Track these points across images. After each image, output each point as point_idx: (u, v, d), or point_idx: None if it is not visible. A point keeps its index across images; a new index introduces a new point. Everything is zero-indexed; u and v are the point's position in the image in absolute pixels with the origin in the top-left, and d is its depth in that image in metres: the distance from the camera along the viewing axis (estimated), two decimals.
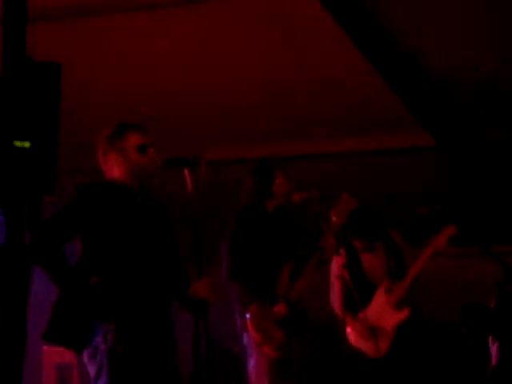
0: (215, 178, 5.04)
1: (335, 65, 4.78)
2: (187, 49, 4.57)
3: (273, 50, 4.60)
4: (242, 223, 4.80)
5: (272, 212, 4.89)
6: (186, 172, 3.70)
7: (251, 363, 4.75)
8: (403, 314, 5.27)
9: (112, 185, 3.70)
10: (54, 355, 6.22)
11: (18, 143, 2.11)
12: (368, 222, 5.29)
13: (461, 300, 7.44)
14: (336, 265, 5.02)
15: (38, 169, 2.22)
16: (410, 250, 5.61)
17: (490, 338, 5.84)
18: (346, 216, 4.89)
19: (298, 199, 4.85)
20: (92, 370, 3.54)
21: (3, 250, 2.53)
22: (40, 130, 2.21)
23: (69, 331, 3.50)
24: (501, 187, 6.51)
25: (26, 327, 2.21)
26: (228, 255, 4.72)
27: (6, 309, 2.18)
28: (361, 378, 5.26)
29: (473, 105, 5.44)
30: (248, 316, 4.65)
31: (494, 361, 5.76)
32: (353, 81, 5.00)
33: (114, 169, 3.72)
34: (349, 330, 5.22)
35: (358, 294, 5.11)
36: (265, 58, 4.71)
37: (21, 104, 2.19)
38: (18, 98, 2.24)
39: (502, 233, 7.22)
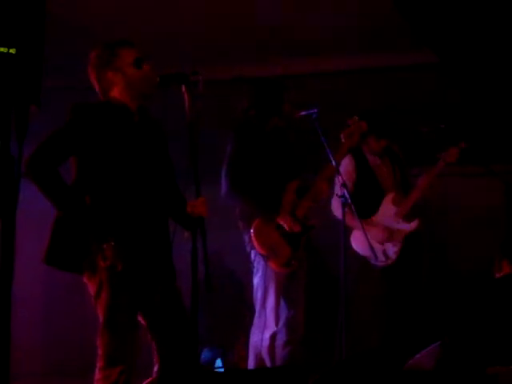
0: (214, 96, 4.95)
1: None
2: None
3: None
4: (241, 139, 4.76)
5: (270, 130, 4.86)
6: (184, 89, 3.64)
7: (256, 279, 4.78)
8: (413, 225, 5.35)
9: (109, 104, 3.67)
10: None
11: (2, 49, 2.04)
12: (384, 121, 5.41)
13: (461, 218, 7.54)
14: (337, 184, 5.02)
15: (24, 76, 2.15)
16: (410, 168, 5.66)
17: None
18: (356, 138, 4.88)
19: (297, 116, 4.82)
20: (92, 288, 3.57)
21: None
22: (24, 36, 2.13)
23: (68, 254, 3.50)
24: (504, 105, 6.44)
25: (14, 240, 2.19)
26: (228, 172, 4.70)
27: None
28: (366, 288, 5.31)
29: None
30: (252, 231, 4.64)
31: None
32: None
33: (112, 89, 3.68)
34: (355, 236, 5.23)
35: (368, 198, 5.31)
36: None
37: (3, 7, 2.11)
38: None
39: (504, 152, 7.18)
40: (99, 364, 3.50)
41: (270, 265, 4.66)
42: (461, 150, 5.35)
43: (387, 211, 5.40)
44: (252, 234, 4.64)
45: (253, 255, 4.77)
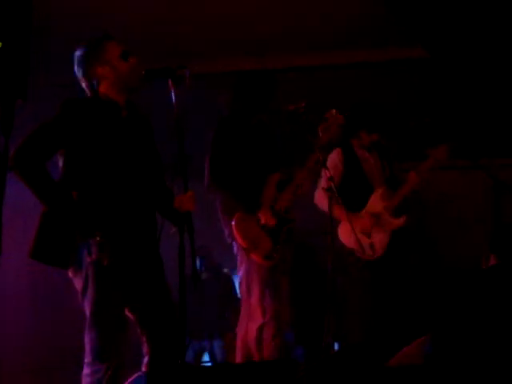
0: (200, 90, 4.93)
1: None
2: None
3: None
4: (224, 132, 4.74)
5: (254, 123, 4.84)
6: (170, 83, 3.63)
7: (241, 272, 4.77)
8: (400, 221, 5.37)
9: (97, 100, 3.65)
10: None
11: None
12: (377, 115, 5.44)
13: (449, 212, 7.58)
14: (324, 177, 5.02)
15: (10, 71, 2.14)
16: (400, 163, 5.67)
17: None
18: (334, 131, 4.87)
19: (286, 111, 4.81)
20: (78, 283, 3.55)
21: None
22: (11, 30, 2.12)
23: (54, 248, 3.49)
24: (491, 100, 6.47)
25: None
26: (210, 164, 4.69)
27: None
28: (353, 280, 5.33)
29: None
30: (233, 224, 4.64)
31: None
32: None
33: (101, 83, 3.66)
34: (342, 228, 5.24)
35: (356, 192, 5.32)
36: None
37: None
38: None
39: (492, 146, 7.21)
40: (87, 359, 3.48)
41: (252, 257, 4.65)
42: (450, 148, 5.36)
43: (376, 206, 5.41)
44: (233, 227, 4.64)
45: (235, 248, 4.77)
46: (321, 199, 5.24)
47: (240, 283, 4.83)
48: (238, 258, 4.77)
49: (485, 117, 6.80)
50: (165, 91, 3.61)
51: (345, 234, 5.26)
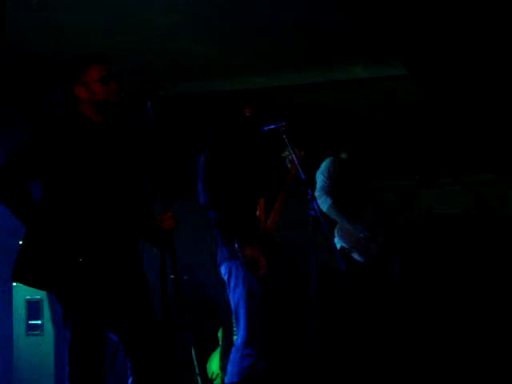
0: (179, 111, 4.93)
1: None
2: None
3: None
4: (220, 153, 4.72)
5: (246, 146, 4.83)
6: (149, 104, 3.65)
7: (237, 293, 4.65)
8: None
9: (75, 119, 3.66)
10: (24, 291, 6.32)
11: None
12: None
13: None
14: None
15: None
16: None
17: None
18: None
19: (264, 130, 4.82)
20: (61, 306, 3.54)
21: None
22: None
23: (36, 271, 3.48)
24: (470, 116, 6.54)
25: None
26: (207, 185, 4.64)
27: None
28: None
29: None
30: (236, 244, 4.56)
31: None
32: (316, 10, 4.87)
33: (78, 102, 3.68)
34: (340, 228, 5.47)
35: (353, 200, 5.67)
36: None
37: None
38: None
39: (470, 162, 7.28)
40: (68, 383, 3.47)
41: (253, 273, 4.57)
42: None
43: (371, 218, 5.60)
44: (237, 248, 4.56)
45: (233, 267, 4.65)
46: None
47: (236, 305, 4.65)
48: (232, 279, 4.65)
49: (464, 133, 6.85)
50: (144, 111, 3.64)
51: (342, 234, 5.36)
